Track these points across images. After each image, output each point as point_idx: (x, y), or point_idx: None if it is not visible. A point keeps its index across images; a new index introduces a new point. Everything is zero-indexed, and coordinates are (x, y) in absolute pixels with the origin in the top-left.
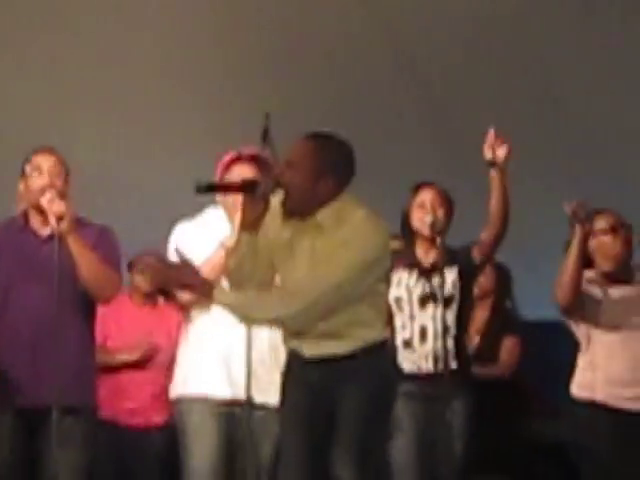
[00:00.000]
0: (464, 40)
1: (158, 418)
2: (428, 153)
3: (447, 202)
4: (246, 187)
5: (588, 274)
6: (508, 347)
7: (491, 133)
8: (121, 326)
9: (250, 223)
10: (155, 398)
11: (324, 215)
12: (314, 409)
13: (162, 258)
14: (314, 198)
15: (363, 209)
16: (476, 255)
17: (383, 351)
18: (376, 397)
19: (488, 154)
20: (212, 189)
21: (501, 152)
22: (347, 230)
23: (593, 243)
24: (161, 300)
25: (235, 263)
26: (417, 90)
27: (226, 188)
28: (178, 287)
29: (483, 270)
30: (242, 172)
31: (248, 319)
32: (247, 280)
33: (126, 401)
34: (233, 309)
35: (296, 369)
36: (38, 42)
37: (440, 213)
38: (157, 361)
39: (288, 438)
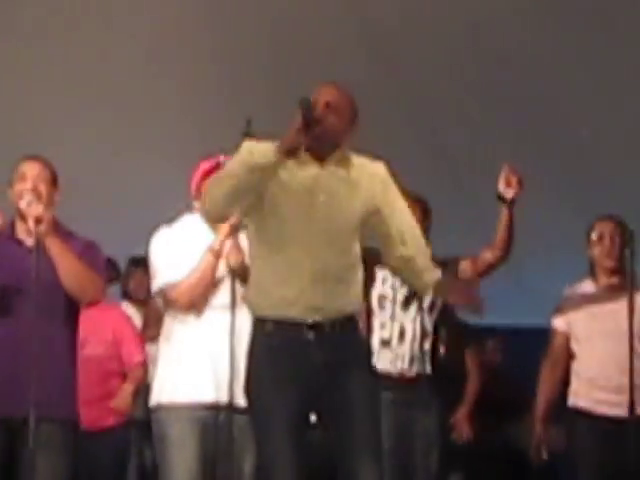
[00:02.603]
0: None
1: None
2: (412, 154)
3: (425, 210)
4: (315, 121)
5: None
6: (472, 361)
7: (506, 169)
8: None
9: (288, 151)
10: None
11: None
12: (307, 407)
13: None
14: (341, 142)
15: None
16: (467, 270)
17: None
18: (375, 383)
19: (500, 188)
20: (305, 107)
21: (510, 193)
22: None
23: (590, 253)
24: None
25: (256, 180)
26: (399, 90)
27: (308, 114)
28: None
29: None
30: None
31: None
32: (245, 199)
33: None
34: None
35: (282, 350)
36: (27, 38)
37: (426, 222)
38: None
39: (275, 448)
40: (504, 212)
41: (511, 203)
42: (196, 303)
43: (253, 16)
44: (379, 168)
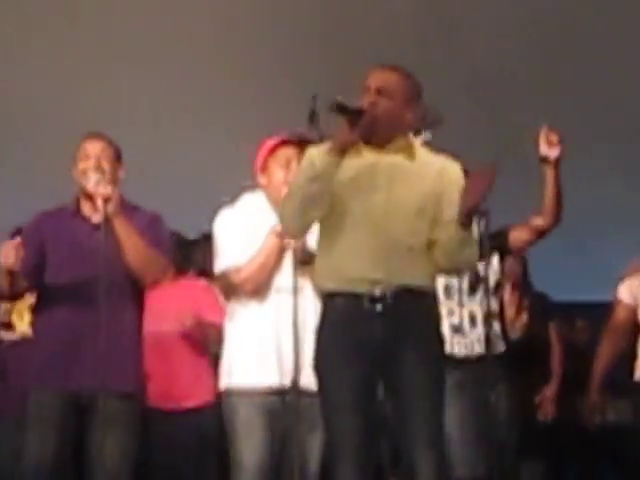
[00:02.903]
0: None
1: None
2: (477, 138)
3: None
4: (359, 113)
5: None
6: (554, 337)
7: (544, 130)
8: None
9: (343, 150)
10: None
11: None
12: (371, 380)
13: None
14: (401, 125)
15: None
16: (518, 239)
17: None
18: (440, 364)
19: (542, 150)
20: (338, 109)
21: (554, 152)
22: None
23: None
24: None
25: (320, 187)
26: (466, 76)
27: (347, 112)
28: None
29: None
30: (287, 155)
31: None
32: (318, 207)
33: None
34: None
35: (347, 324)
36: (95, 24)
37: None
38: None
39: (342, 422)
40: (550, 173)
41: (556, 163)
42: (260, 287)
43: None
44: (452, 167)
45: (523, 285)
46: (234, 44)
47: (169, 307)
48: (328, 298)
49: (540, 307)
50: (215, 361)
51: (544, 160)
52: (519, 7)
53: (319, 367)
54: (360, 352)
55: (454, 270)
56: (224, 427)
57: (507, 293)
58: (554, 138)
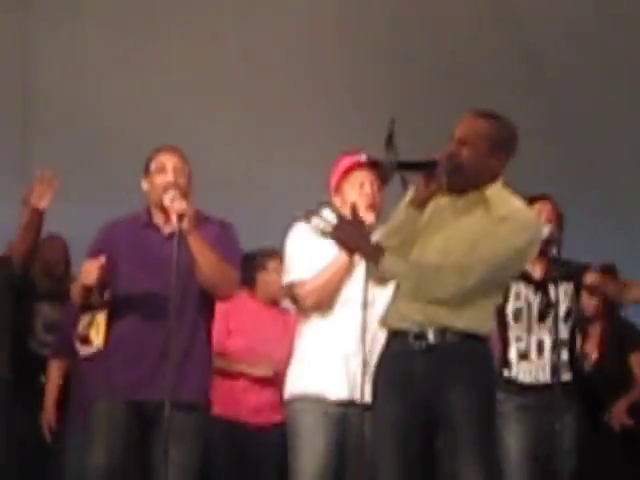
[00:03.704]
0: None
1: (278, 417)
2: (552, 159)
3: (560, 215)
4: (430, 165)
5: None
6: (637, 368)
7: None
8: (243, 324)
9: (422, 201)
10: (274, 398)
11: (492, 191)
12: (413, 416)
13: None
14: (484, 173)
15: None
16: (590, 287)
17: (489, 350)
18: (488, 394)
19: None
20: (402, 166)
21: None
22: (516, 213)
23: None
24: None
25: (400, 240)
26: (545, 90)
27: (413, 166)
28: (352, 246)
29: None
30: (361, 177)
31: (420, 291)
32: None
33: (245, 402)
34: (404, 278)
35: (395, 359)
36: (176, 39)
37: (556, 225)
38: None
39: (384, 457)
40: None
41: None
42: (322, 303)
43: (395, 16)
44: (517, 214)
45: (609, 316)
46: (311, 60)
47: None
48: (389, 334)
49: (621, 338)
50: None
51: None
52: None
53: (372, 395)
54: (403, 385)
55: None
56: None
57: (592, 326)
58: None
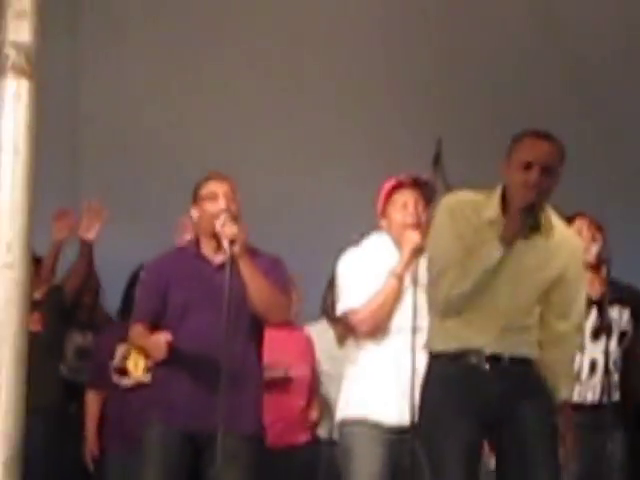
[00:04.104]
0: None
1: (302, 437)
2: (602, 180)
3: (601, 229)
4: (531, 208)
5: None
6: None
7: None
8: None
9: (514, 238)
10: (297, 418)
11: (550, 216)
12: (480, 436)
13: None
14: (549, 198)
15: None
16: None
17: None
18: (553, 418)
19: None
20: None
21: None
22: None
23: None
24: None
25: (486, 279)
26: (593, 111)
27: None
28: None
29: None
30: (403, 198)
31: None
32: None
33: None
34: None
35: (462, 380)
36: (213, 60)
37: (602, 241)
38: (295, 385)
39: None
40: None
41: None
42: (377, 329)
43: (438, 38)
44: (579, 244)
45: None
46: (357, 78)
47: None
48: (437, 356)
49: None
50: None
51: None
52: None
53: (425, 420)
54: (470, 408)
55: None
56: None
57: None
58: None
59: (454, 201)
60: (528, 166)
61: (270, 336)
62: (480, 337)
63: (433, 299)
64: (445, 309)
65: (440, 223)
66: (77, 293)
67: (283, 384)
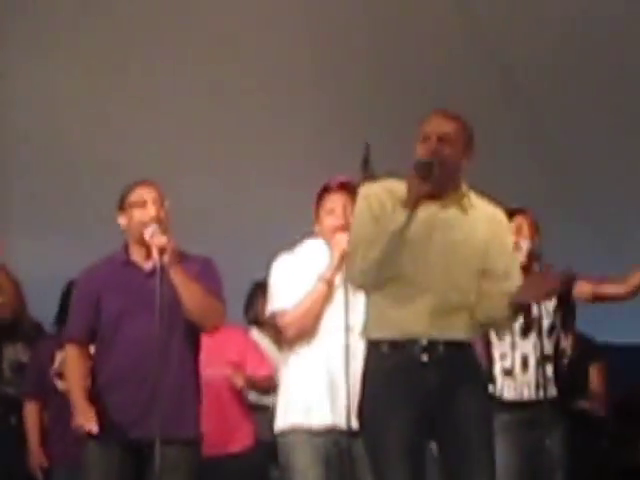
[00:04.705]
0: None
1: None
2: (526, 175)
3: (538, 228)
4: (428, 166)
5: None
6: (596, 377)
7: None
8: None
9: (417, 202)
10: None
11: (465, 190)
12: (420, 427)
13: None
14: (459, 172)
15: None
16: (584, 292)
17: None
18: (487, 402)
19: None
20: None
21: None
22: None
23: None
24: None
25: (394, 245)
26: (519, 107)
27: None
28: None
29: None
30: (331, 201)
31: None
32: (392, 263)
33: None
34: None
35: (399, 370)
36: (145, 70)
37: (537, 239)
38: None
39: (390, 474)
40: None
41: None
42: (303, 333)
43: (365, 45)
44: (499, 213)
45: (568, 329)
46: (288, 93)
47: (214, 352)
48: (375, 344)
49: (581, 350)
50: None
51: None
52: None
53: (365, 414)
54: (410, 399)
55: (491, 327)
56: (269, 469)
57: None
58: None
59: (369, 189)
60: (426, 136)
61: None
62: (415, 321)
63: (350, 276)
64: (361, 281)
65: (357, 210)
66: (15, 311)
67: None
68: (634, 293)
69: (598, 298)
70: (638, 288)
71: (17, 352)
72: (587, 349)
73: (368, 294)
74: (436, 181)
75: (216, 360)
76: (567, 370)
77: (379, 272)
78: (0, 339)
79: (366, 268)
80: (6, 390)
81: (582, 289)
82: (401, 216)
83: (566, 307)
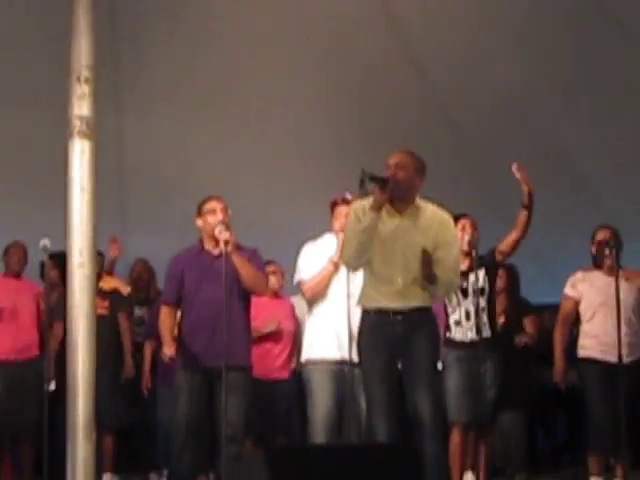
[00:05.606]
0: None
1: (285, 374)
2: (458, 185)
3: (477, 227)
4: (386, 181)
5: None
6: (529, 323)
7: (515, 167)
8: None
9: (379, 206)
10: (285, 361)
11: (419, 203)
12: (392, 361)
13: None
14: (412, 190)
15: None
16: (498, 255)
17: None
18: (436, 347)
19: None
20: (372, 179)
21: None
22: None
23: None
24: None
25: (368, 236)
26: (447, 123)
27: (377, 180)
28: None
29: (503, 265)
30: (338, 211)
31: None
32: (367, 250)
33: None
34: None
35: (379, 327)
36: (198, 95)
37: (475, 234)
38: (284, 336)
39: (374, 391)
40: (525, 200)
41: (530, 194)
42: (316, 296)
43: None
44: (447, 219)
45: (510, 292)
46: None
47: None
48: (366, 311)
49: (517, 308)
50: None
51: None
52: None
53: (360, 353)
54: (386, 343)
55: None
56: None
57: (499, 299)
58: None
59: (358, 203)
60: (389, 166)
61: (266, 303)
62: (389, 297)
63: (343, 260)
64: (350, 263)
65: (349, 217)
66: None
67: (276, 335)
68: (524, 227)
69: (511, 247)
70: (528, 224)
71: (142, 311)
72: (522, 307)
73: (361, 271)
74: (392, 192)
75: (288, 318)
76: (505, 320)
77: (360, 257)
78: (132, 305)
79: (351, 254)
80: (136, 339)
81: (500, 249)
82: (369, 216)
83: (490, 274)
